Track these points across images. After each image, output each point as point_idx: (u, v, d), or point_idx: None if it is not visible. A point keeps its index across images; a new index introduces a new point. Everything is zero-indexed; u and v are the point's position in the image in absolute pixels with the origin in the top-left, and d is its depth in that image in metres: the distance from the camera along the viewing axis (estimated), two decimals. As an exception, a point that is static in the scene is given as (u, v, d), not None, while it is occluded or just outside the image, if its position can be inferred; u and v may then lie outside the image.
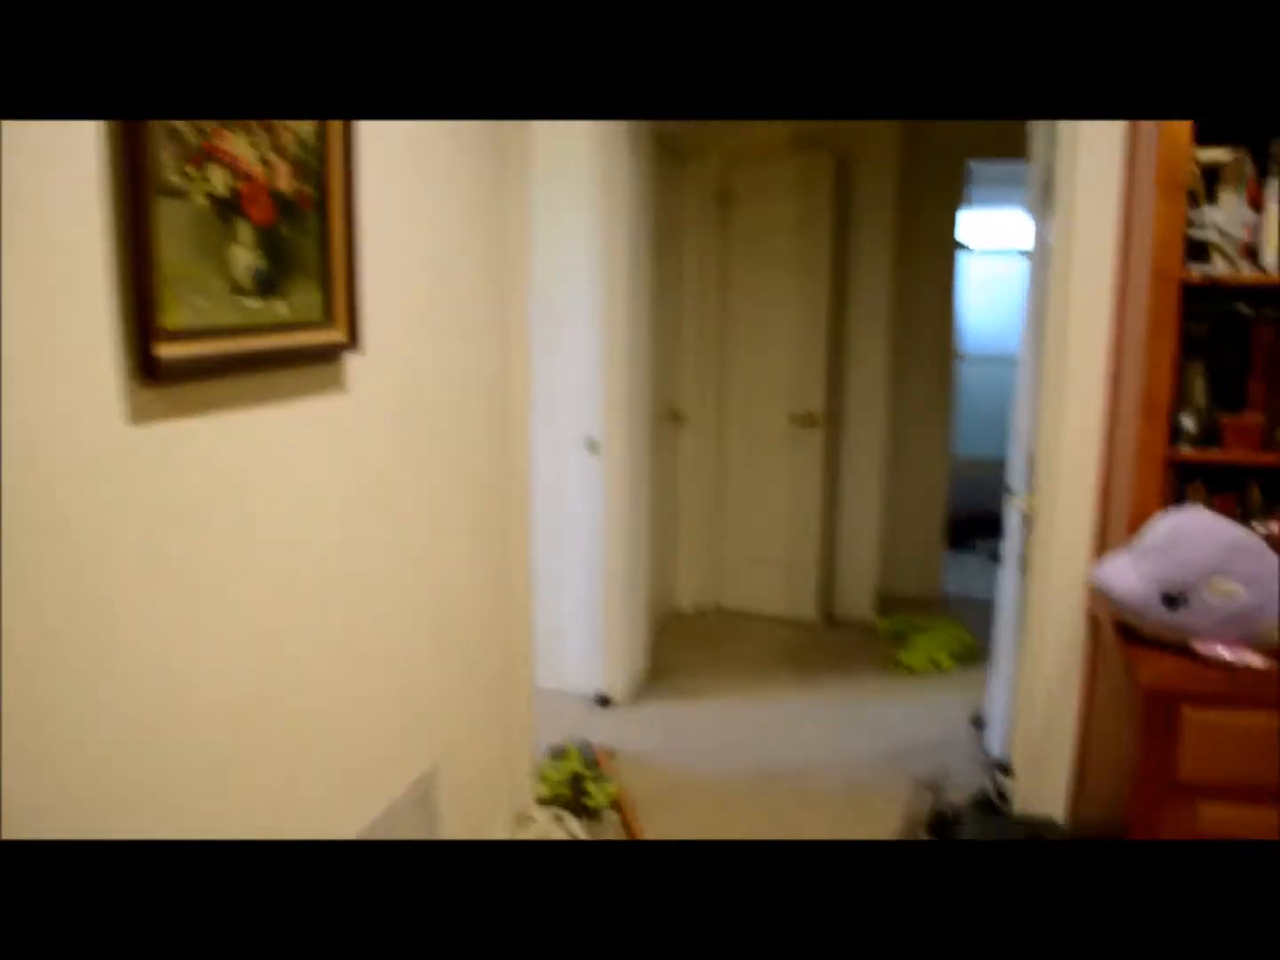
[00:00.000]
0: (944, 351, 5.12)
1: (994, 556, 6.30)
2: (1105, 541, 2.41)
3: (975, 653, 4.42)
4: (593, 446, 3.71)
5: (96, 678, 1.34)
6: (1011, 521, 3.30)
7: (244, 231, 1.55)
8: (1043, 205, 2.98)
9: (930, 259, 4.99)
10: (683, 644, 4.62)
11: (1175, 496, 2.15)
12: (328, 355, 1.83)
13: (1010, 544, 3.31)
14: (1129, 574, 1.97)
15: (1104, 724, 2.39)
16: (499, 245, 2.54)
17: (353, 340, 1.86)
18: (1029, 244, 3.14)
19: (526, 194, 2.65)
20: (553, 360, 3.73)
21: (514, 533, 2.74)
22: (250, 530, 1.64)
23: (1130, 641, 2.01)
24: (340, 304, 1.83)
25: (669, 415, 4.75)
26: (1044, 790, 2.62)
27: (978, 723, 3.65)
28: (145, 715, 1.43)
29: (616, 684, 3.88)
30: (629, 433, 3.76)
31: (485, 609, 2.59)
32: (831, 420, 4.74)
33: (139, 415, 1.39)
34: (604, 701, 3.85)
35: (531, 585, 2.88)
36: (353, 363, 1.91)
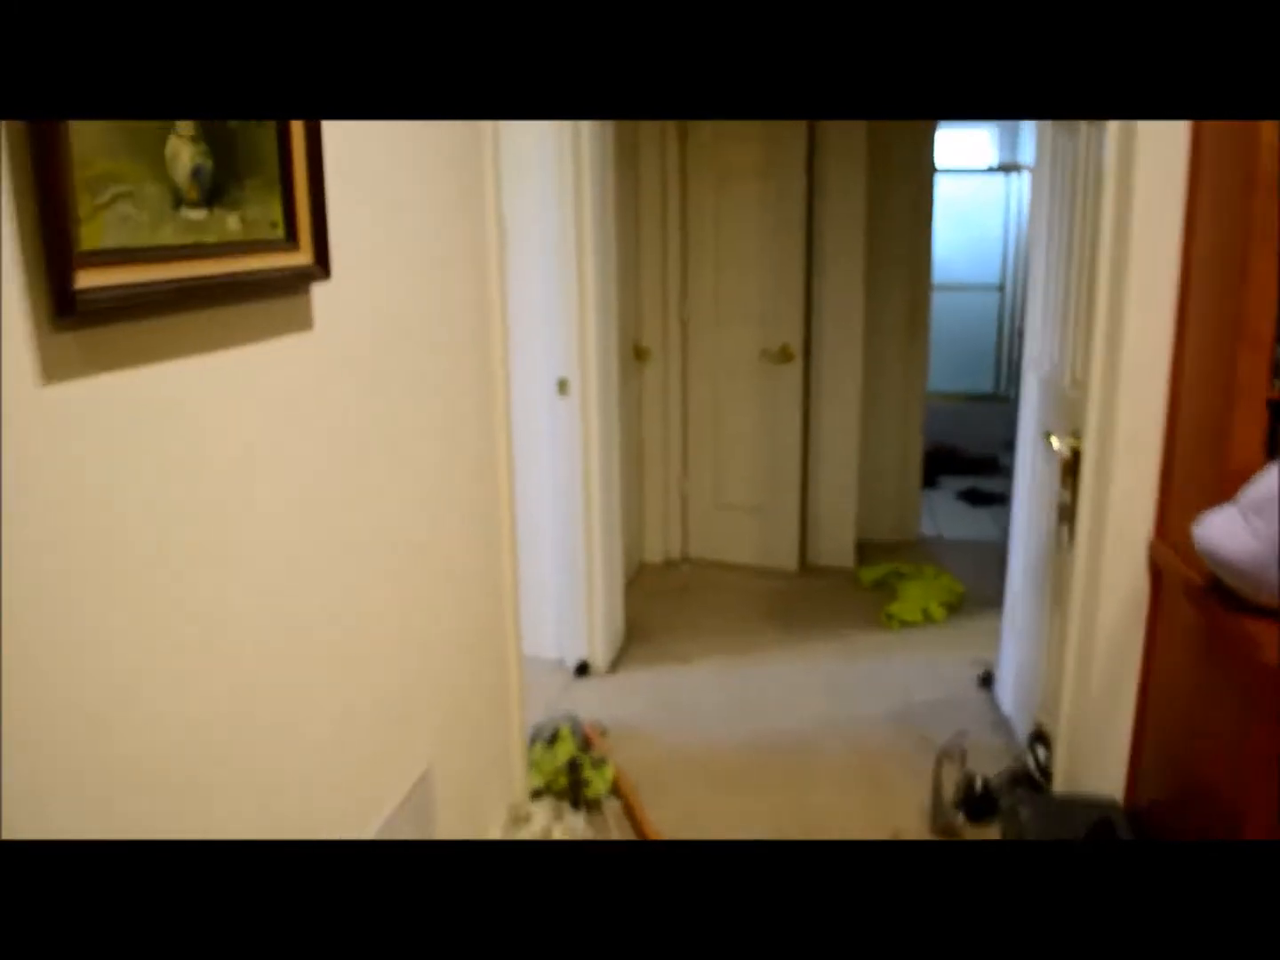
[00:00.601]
0: (919, 281, 4.82)
1: (968, 497, 6.14)
2: (1171, 490, 2.14)
3: (966, 601, 4.19)
4: (564, 387, 3.35)
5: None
6: (1028, 463, 3.04)
7: (183, 116, 1.15)
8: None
9: (904, 181, 4.67)
10: (656, 600, 4.31)
11: (1270, 442, 1.87)
12: (291, 285, 1.44)
13: (1026, 487, 3.04)
14: (1239, 533, 1.69)
15: (1171, 696, 2.14)
16: (470, 165, 2.16)
17: (321, 265, 1.48)
18: (1023, 159, 2.83)
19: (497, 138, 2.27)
20: (516, 295, 3.33)
21: (501, 494, 2.39)
22: (202, 513, 1.26)
23: (1235, 609, 1.75)
24: (305, 218, 1.43)
25: (631, 351, 4.39)
26: (1096, 767, 2.37)
27: (986, 680, 3.42)
28: (107, 733, 1.08)
29: (598, 650, 3.56)
30: (602, 371, 3.40)
31: (476, 583, 2.25)
32: (806, 354, 4.43)
33: (52, 369, 1.00)
34: (584, 670, 3.54)
35: (517, 552, 2.53)
36: (321, 294, 1.52)
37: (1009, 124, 6.90)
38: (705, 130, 4.34)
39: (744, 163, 4.31)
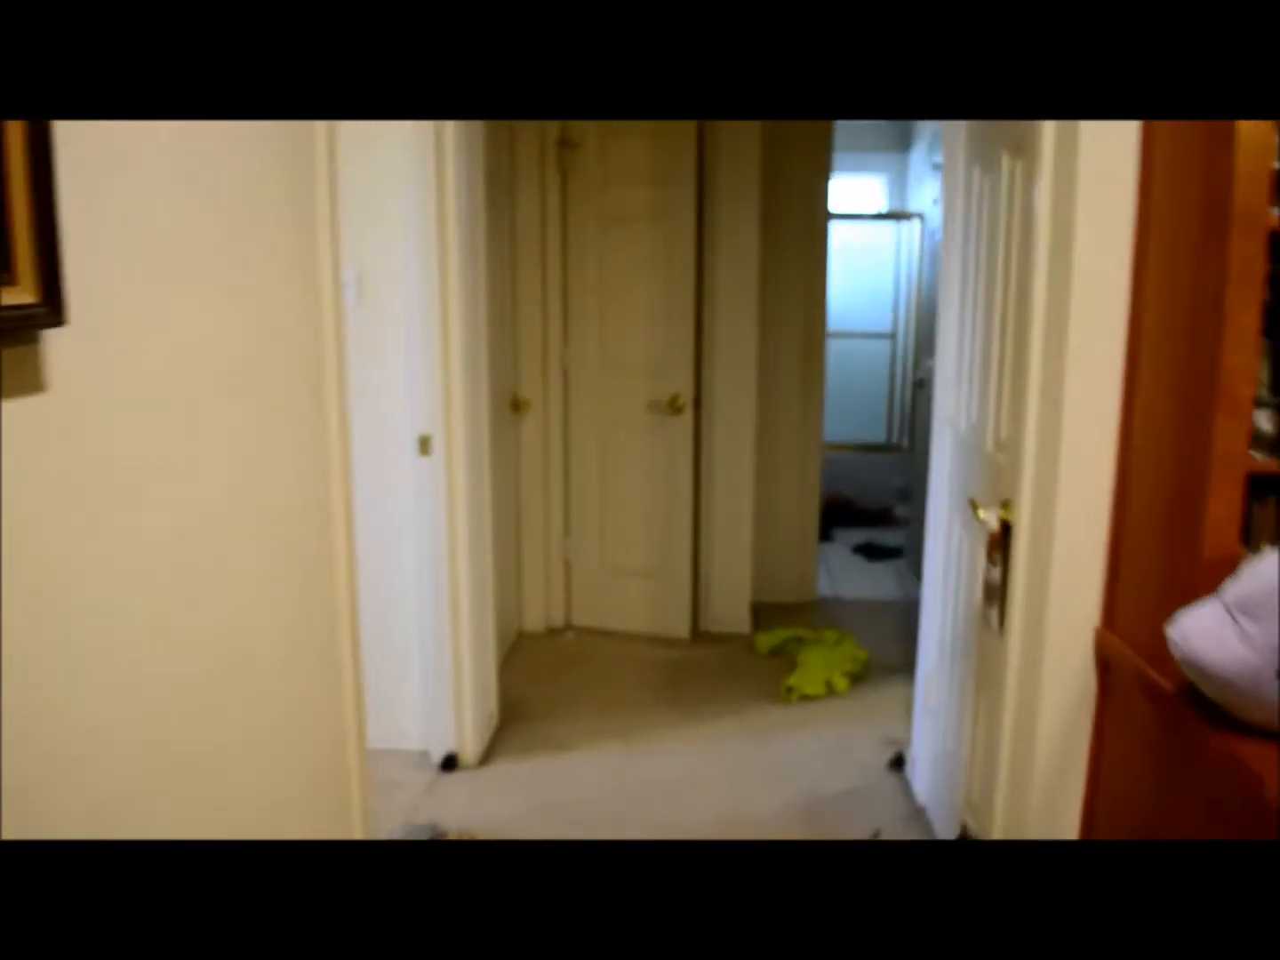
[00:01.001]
0: (814, 328, 4.58)
1: (865, 551, 5.90)
2: (1121, 574, 1.87)
3: (870, 670, 3.91)
4: (425, 446, 2.95)
5: None
6: (941, 527, 2.77)
7: None
8: (985, 156, 2.43)
9: (798, 225, 4.44)
10: (535, 674, 3.92)
11: (1247, 523, 1.61)
12: (13, 329, 1.04)
13: (940, 555, 2.77)
14: (1229, 638, 1.40)
15: (1125, 812, 1.86)
16: (298, 185, 1.78)
17: (51, 305, 1.07)
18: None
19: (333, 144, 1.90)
20: (371, 343, 2.95)
21: (338, 568, 1.99)
22: None
23: (1220, 726, 1.46)
24: (24, 242, 1.04)
25: (508, 402, 4.02)
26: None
27: (898, 762, 3.12)
28: None
29: (467, 739, 3.14)
30: (469, 425, 3.02)
31: (305, 672, 1.84)
32: (698, 405, 4.13)
33: None
34: (451, 763, 3.11)
35: (358, 633, 2.13)
36: (61, 344, 1.12)
37: (898, 170, 6.81)
38: (589, 169, 4.03)
39: (630, 205, 4.01)
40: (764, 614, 4.46)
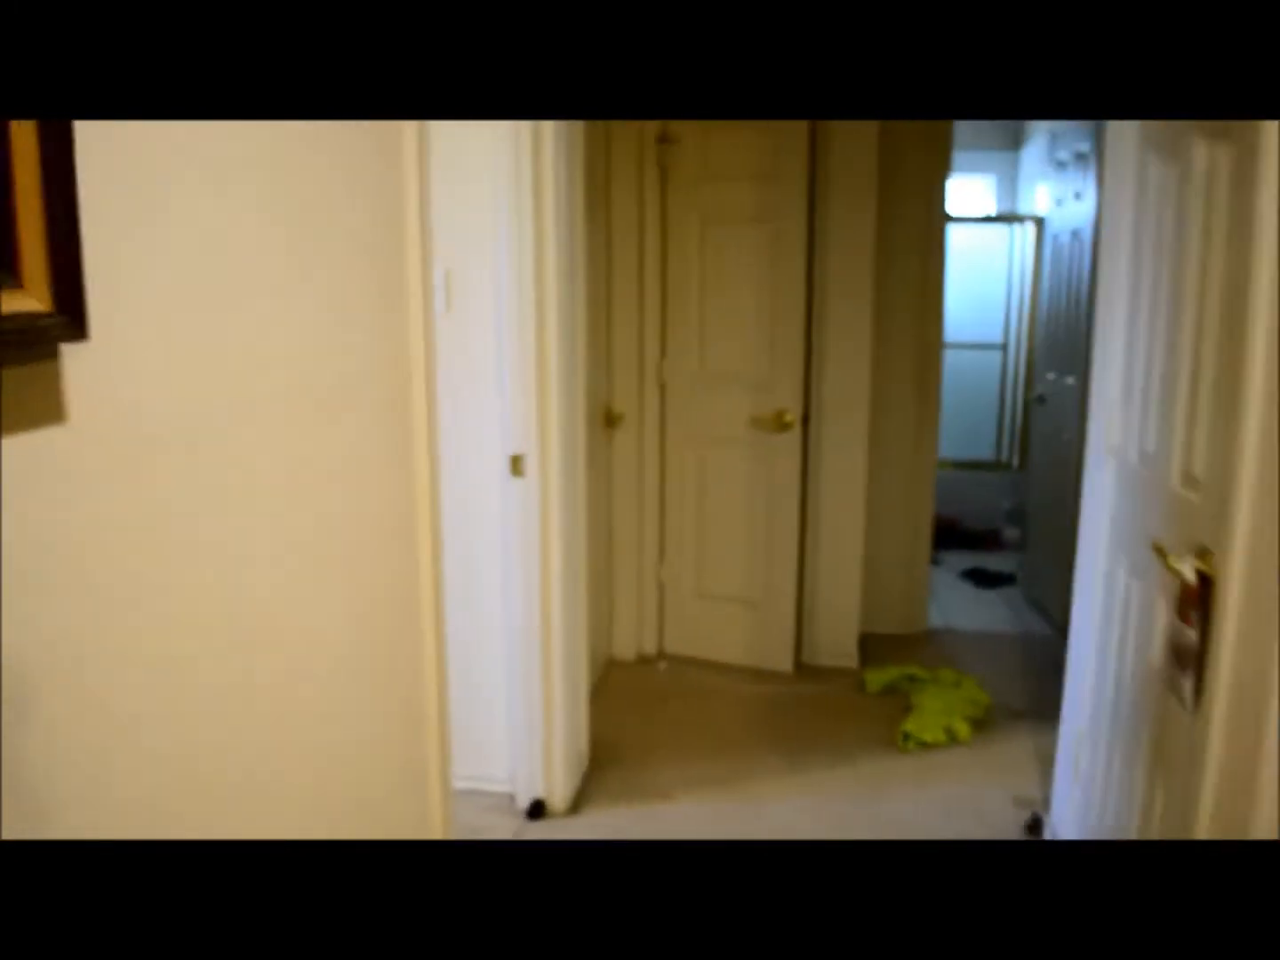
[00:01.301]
0: (929, 339, 4.24)
1: (974, 577, 5.51)
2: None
3: (994, 715, 3.56)
4: (518, 466, 2.70)
5: None
6: (1098, 569, 2.42)
7: None
8: (1168, 143, 2.10)
9: (914, 229, 4.10)
10: (627, 708, 3.65)
11: None
12: (18, 342, 0.80)
13: (1099, 602, 2.43)
14: None
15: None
16: (384, 188, 1.53)
17: (69, 315, 0.83)
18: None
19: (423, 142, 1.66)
20: (460, 356, 2.71)
21: (424, 597, 1.75)
22: None
23: None
24: (34, 243, 0.79)
25: (602, 416, 3.77)
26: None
27: (1035, 827, 2.77)
28: None
29: (556, 784, 2.88)
30: (564, 444, 2.76)
31: (387, 711, 1.59)
32: (806, 422, 3.82)
33: None
34: (539, 810, 2.85)
35: (446, 669, 1.89)
36: (83, 362, 0.88)
37: (1008, 169, 6.42)
38: (690, 166, 3.76)
39: (734, 204, 3.73)
40: (871, 646, 4.13)
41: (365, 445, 1.51)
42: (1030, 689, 3.81)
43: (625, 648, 4.07)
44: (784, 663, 3.93)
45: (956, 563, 5.61)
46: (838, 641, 4.04)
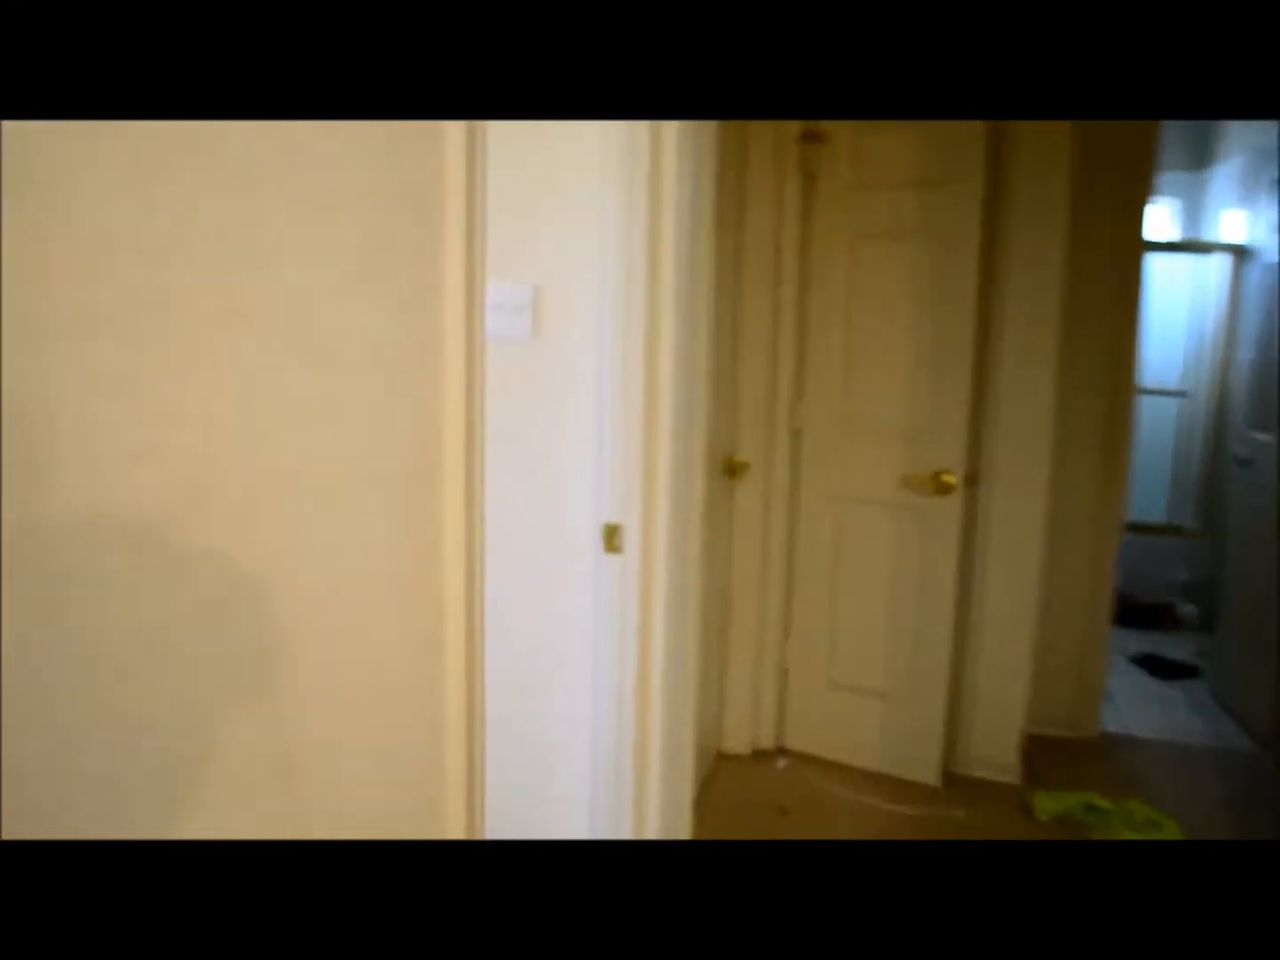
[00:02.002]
0: (1121, 385, 3.52)
1: (1149, 665, 4.68)
2: None
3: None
4: (613, 538, 2.11)
5: None
6: None
7: None
8: None
9: (1108, 256, 3.40)
10: (736, 819, 3.01)
11: None
12: None
13: None
14: None
15: None
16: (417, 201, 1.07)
17: None
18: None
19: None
20: (546, 391, 2.14)
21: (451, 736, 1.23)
22: None
23: None
24: None
25: (722, 466, 3.17)
26: None
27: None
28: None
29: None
30: (675, 510, 2.16)
31: None
32: (971, 484, 3.14)
33: None
34: None
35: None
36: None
37: (1193, 192, 5.60)
38: (839, 171, 3.14)
39: (892, 217, 3.09)
40: (1035, 755, 3.41)
41: (366, 547, 1.00)
42: (1238, 826, 3.05)
43: (738, 739, 3.43)
44: (929, 773, 3.24)
45: (1124, 643, 4.81)
46: (996, 749, 3.33)
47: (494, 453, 2.17)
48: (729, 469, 3.20)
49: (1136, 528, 5.68)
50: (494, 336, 2.14)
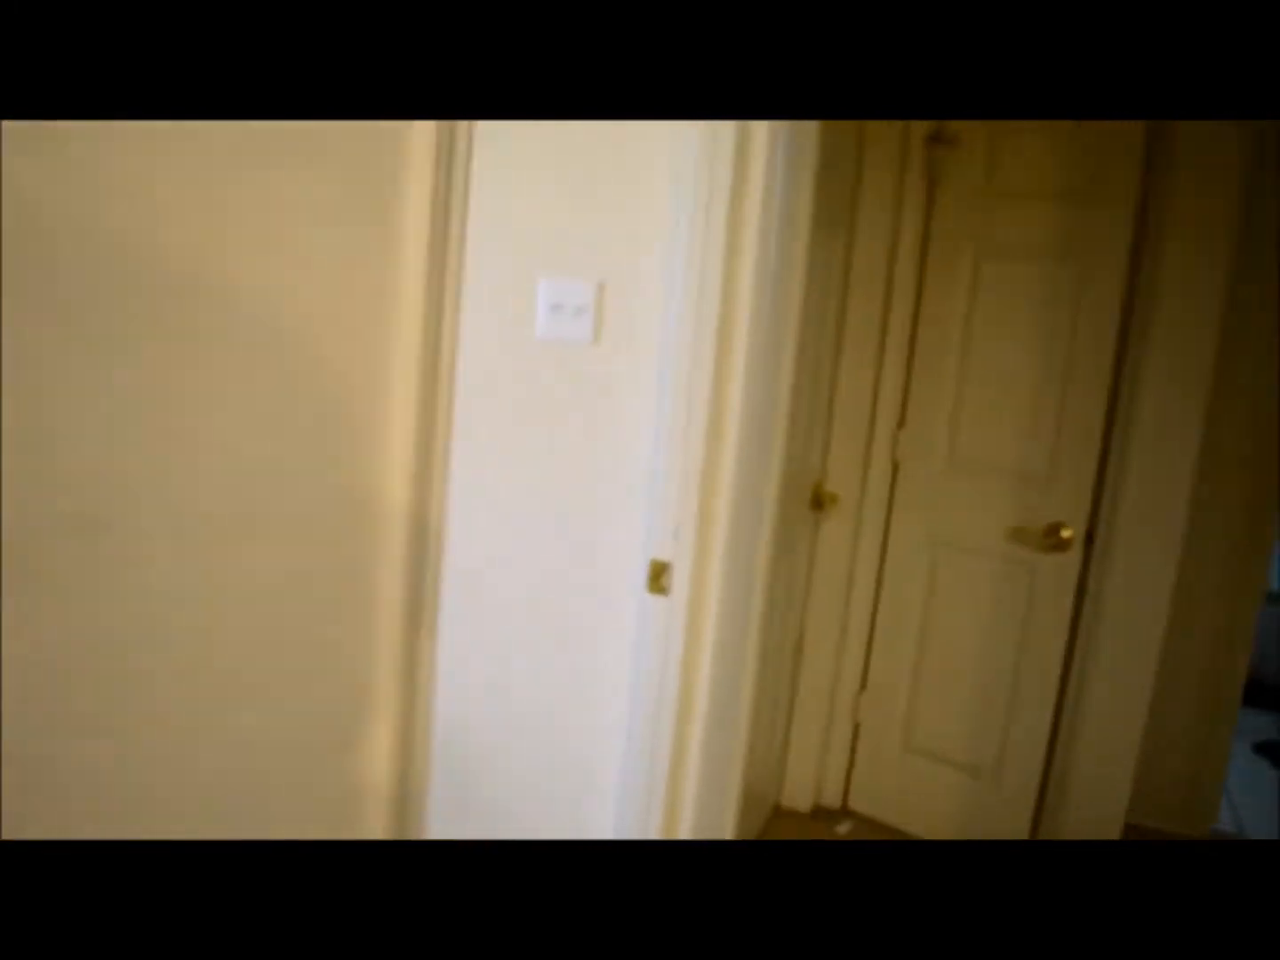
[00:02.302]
0: (1271, 427, 3.08)
1: (1271, 752, 4.21)
2: None
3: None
4: (659, 578, 1.81)
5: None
6: None
7: None
8: None
9: (1273, 278, 2.96)
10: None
11: None
12: None
13: None
14: None
15: None
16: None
17: None
18: None
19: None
20: (600, 409, 1.85)
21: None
22: None
23: None
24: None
25: (809, 497, 2.84)
26: None
27: None
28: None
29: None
30: (734, 549, 1.85)
31: None
32: (1089, 542, 2.76)
33: None
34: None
35: None
36: None
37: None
38: (969, 178, 2.79)
39: (1026, 233, 2.72)
40: (1139, 851, 3.00)
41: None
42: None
43: (798, 794, 3.11)
44: (1014, 861, 2.87)
45: (1247, 727, 4.30)
46: (1092, 835, 2.93)
47: (538, 470, 1.90)
48: (815, 500, 2.88)
49: (1271, 597, 5.15)
50: (549, 339, 1.87)
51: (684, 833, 1.95)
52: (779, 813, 3.08)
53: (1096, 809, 2.93)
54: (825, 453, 2.91)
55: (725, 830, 2.14)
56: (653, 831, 1.93)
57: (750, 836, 2.85)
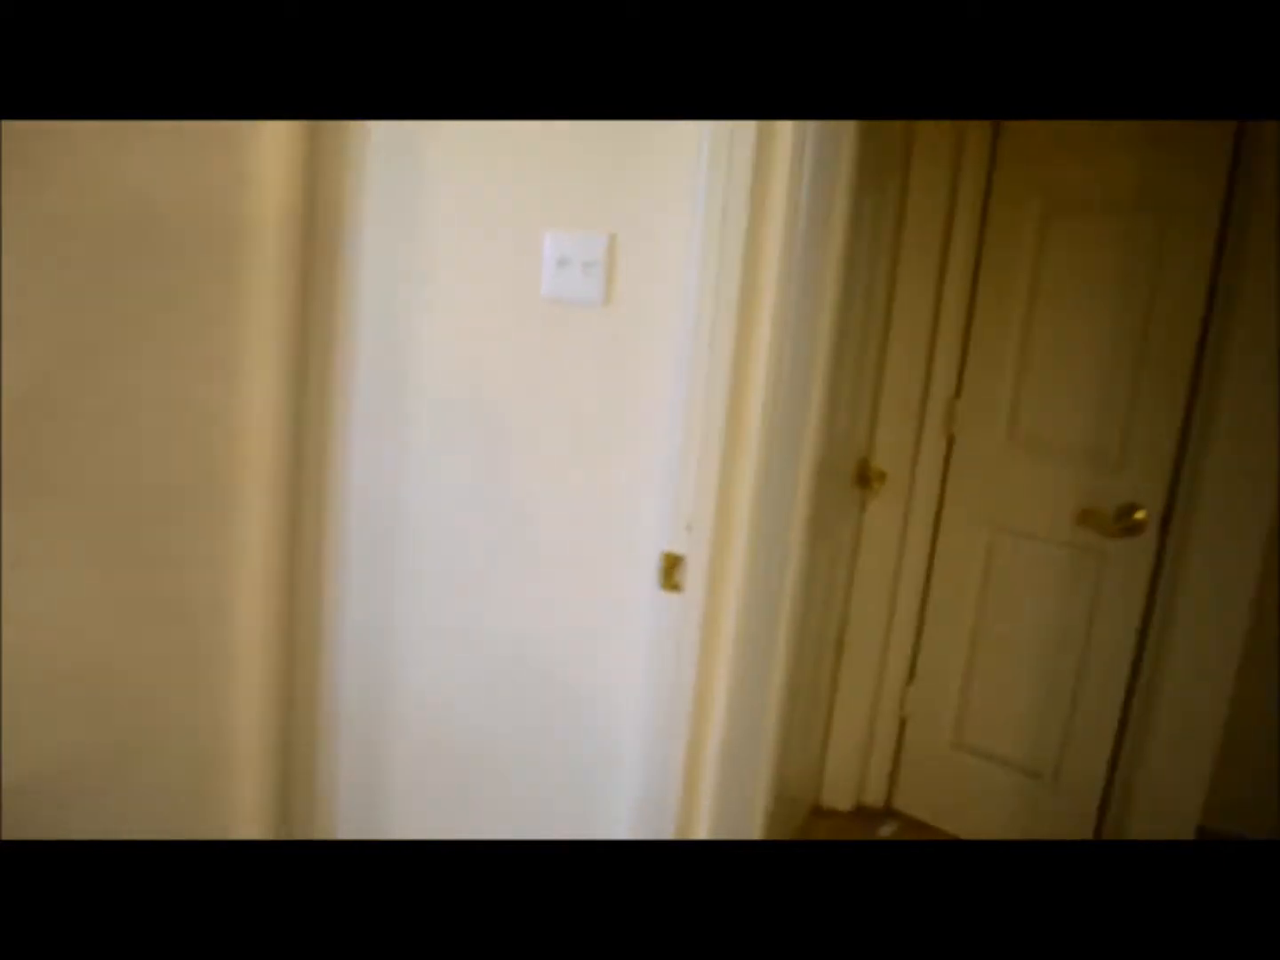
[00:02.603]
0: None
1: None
2: None
3: None
4: (671, 573, 1.61)
5: None
6: None
7: None
8: None
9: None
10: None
11: None
12: None
13: None
14: None
15: None
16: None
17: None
18: None
19: None
20: (619, 375, 1.65)
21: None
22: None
23: None
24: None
25: (854, 473, 2.62)
26: None
27: None
28: None
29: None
30: (759, 539, 1.64)
31: None
32: (1165, 525, 2.50)
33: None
34: None
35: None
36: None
37: None
38: (1037, 126, 2.51)
39: (1100, 184, 2.45)
40: (1212, 861, 2.75)
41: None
42: None
43: (840, 793, 2.91)
44: (1074, 870, 2.64)
45: None
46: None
47: (541, 446, 1.71)
48: (862, 476, 2.65)
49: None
50: (554, 298, 1.67)
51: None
52: (818, 813, 2.89)
53: (1167, 813, 2.69)
54: (873, 425, 2.67)
55: (751, 836, 1.96)
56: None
57: (785, 838, 2.66)
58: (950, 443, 2.71)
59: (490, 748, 1.85)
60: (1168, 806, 2.69)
